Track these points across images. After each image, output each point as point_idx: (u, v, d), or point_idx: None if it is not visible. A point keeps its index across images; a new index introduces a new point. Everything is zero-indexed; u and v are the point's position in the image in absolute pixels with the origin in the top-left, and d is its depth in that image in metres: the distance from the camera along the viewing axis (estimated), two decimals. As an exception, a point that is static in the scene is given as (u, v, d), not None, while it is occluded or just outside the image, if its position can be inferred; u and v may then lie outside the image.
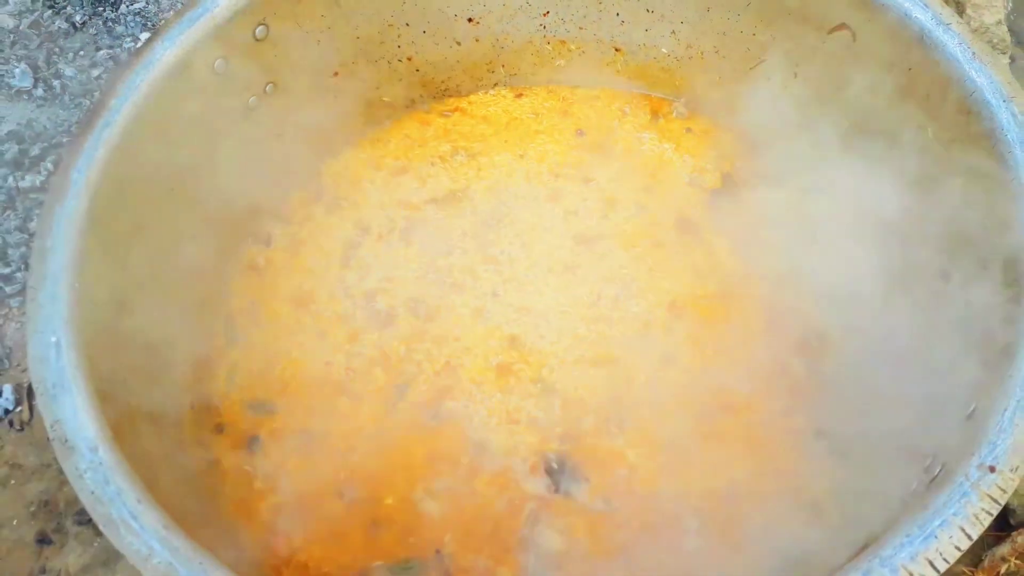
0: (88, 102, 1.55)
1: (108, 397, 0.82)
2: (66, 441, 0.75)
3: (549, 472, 1.04)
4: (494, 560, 0.99)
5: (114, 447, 0.76)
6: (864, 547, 0.73)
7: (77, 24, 1.63)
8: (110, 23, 1.63)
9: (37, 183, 1.46)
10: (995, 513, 0.71)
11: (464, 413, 1.08)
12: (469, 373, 1.11)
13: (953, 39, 0.99)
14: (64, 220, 0.87)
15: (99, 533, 1.05)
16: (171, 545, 0.70)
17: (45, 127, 1.51)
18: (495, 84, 1.38)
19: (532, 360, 1.12)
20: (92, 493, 0.72)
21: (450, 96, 1.37)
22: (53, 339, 0.81)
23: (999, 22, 1.57)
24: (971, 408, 0.80)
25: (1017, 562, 0.96)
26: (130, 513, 0.72)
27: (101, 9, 1.65)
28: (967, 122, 0.96)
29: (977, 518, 0.70)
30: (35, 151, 1.49)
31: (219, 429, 1.08)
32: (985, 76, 0.96)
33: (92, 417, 0.77)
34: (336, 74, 1.23)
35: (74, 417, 0.77)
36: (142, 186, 0.99)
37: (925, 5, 1.01)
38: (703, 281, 1.17)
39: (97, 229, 0.90)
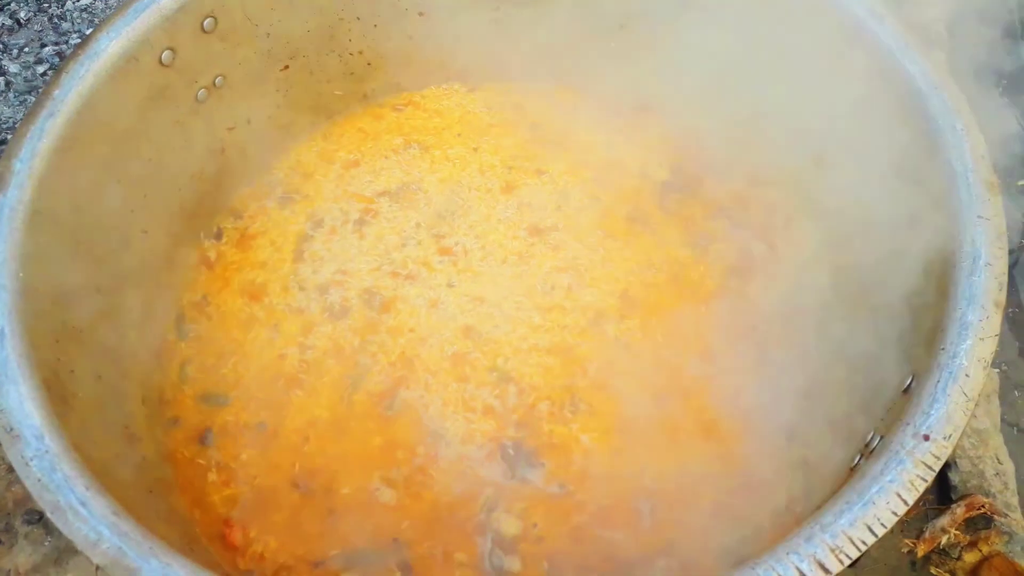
0: (33, 99, 1.52)
1: (55, 388, 0.81)
2: (11, 430, 0.74)
3: (505, 458, 1.05)
4: (452, 546, 1.00)
5: (61, 435, 0.75)
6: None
7: (22, 21, 1.60)
8: (56, 20, 1.61)
9: (-19, 181, 1.42)
10: (929, 479, 0.74)
11: (420, 403, 1.09)
12: (424, 363, 1.12)
13: (887, 30, 1.02)
14: (7, 210, 0.86)
15: (49, 532, 1.04)
16: (120, 530, 0.69)
17: (-11, 124, 1.48)
18: (448, 78, 1.39)
19: (487, 349, 1.13)
20: (39, 480, 0.71)
21: (403, 90, 1.37)
22: (-3, 329, 0.80)
23: (937, 19, 1.63)
24: (908, 382, 0.83)
25: (956, 532, 0.99)
26: (78, 499, 0.71)
27: (47, 5, 1.62)
28: (902, 109, 1.00)
29: (912, 484, 0.73)
30: (-22, 148, 1.46)
31: (172, 422, 1.07)
32: (918, 66, 1.00)
33: (38, 405, 0.77)
34: (286, 67, 1.23)
35: (19, 406, 0.76)
36: (88, 178, 0.98)
37: (861, -2, 1.05)
38: (654, 271, 1.20)
39: (42, 219, 0.89)
